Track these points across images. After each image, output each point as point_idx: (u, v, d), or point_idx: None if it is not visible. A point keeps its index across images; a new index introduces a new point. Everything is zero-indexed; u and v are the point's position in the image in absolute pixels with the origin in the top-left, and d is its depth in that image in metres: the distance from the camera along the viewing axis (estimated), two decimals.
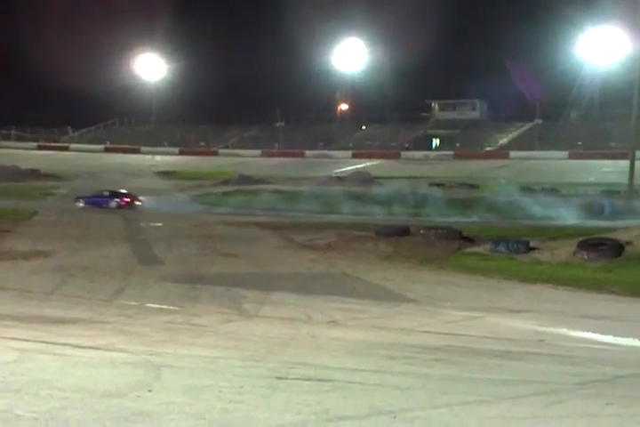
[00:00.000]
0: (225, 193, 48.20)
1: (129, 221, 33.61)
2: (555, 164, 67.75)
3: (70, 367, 7.96)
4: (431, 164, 73.95)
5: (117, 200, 42.12)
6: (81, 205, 41.85)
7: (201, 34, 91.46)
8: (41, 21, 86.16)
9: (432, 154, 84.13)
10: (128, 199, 42.46)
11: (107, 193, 43.24)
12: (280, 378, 7.97)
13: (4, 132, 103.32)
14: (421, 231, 26.22)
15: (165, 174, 66.86)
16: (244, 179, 56.95)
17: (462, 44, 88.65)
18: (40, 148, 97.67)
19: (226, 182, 56.50)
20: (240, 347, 10.90)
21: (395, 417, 6.33)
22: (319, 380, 7.95)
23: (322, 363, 9.33)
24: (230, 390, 7.06)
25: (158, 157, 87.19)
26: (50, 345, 9.44)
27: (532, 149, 77.66)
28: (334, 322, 14.08)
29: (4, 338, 9.80)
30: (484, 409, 6.84)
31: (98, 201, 41.81)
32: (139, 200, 43.04)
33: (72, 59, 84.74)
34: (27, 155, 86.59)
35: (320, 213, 36.97)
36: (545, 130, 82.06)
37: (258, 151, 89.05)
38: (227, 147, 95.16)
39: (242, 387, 7.28)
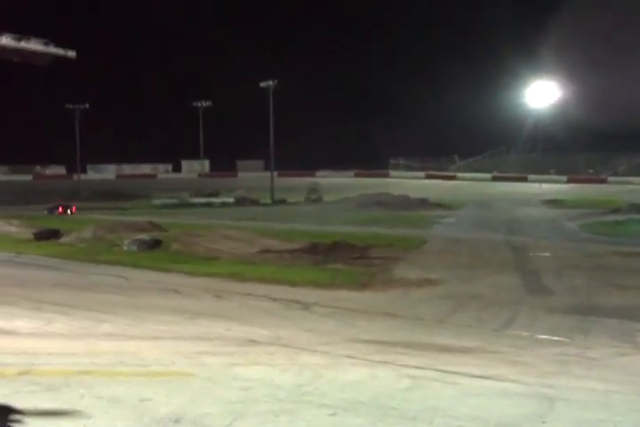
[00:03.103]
0: (615, 222, 46.69)
1: (517, 250, 33.52)
2: None
3: (463, 396, 7.97)
4: None
5: (57, 209, 61.45)
6: (46, 212, 60.06)
7: (591, 60, 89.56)
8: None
9: None
10: (61, 209, 61.33)
11: (55, 205, 62.94)
12: None
13: (392, 162, 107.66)
14: None
15: (552, 203, 66.08)
16: (635, 207, 54.85)
17: None
18: (428, 177, 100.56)
19: (616, 211, 54.73)
20: (634, 382, 10.43)
21: None
22: None
23: None
24: (625, 425, 6.77)
25: (545, 185, 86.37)
26: (441, 373, 9.50)
27: None
28: None
29: (398, 365, 10.02)
30: None
31: (51, 209, 61.48)
32: (70, 209, 61.72)
33: (458, 90, 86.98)
34: (415, 184, 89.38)
35: None
36: None
37: None
38: (615, 174, 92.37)
39: (638, 423, 6.97)
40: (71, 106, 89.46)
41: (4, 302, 16.94)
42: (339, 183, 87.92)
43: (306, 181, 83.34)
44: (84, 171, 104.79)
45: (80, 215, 57.88)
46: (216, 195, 77.88)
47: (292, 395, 7.29)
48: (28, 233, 40.77)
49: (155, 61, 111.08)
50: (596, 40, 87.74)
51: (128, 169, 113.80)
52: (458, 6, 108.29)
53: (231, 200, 72.35)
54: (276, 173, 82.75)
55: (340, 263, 28.67)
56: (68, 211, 61.97)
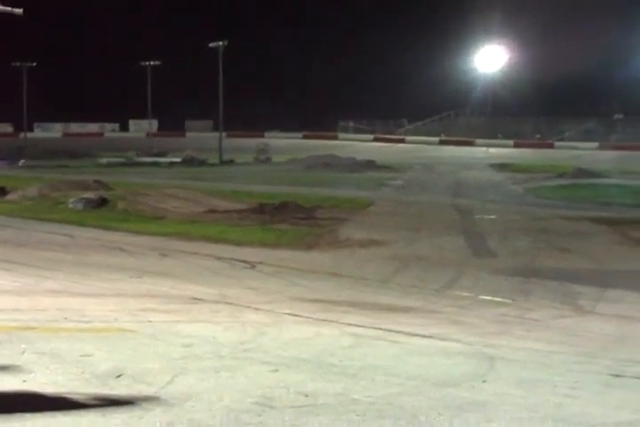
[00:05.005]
0: (560, 186, 47.21)
1: (463, 212, 33.77)
2: None
3: (405, 355, 8.04)
4: None
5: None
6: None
7: (540, 25, 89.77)
8: None
9: None
10: None
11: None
12: (615, 375, 7.65)
13: (342, 124, 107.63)
14: None
15: (499, 167, 66.62)
16: (580, 172, 55.52)
17: None
18: (376, 140, 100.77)
19: (561, 176, 55.34)
20: (574, 343, 10.64)
21: None
22: None
23: None
24: (565, 384, 6.84)
25: (492, 150, 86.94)
26: (384, 332, 9.58)
27: None
28: None
29: (341, 323, 10.10)
30: None
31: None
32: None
33: (409, 55, 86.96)
34: (364, 146, 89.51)
35: None
36: None
37: (594, 144, 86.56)
38: (562, 139, 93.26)
39: (576, 382, 7.03)
40: (18, 64, 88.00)
41: None
42: (287, 144, 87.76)
43: (254, 141, 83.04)
44: (31, 129, 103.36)
45: (24, 173, 57.06)
46: (163, 154, 77.29)
47: (233, 352, 7.31)
48: None
49: (105, 18, 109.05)
50: (544, 3, 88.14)
51: (75, 128, 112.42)
52: None
53: (178, 160, 71.85)
54: (224, 134, 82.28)
55: (287, 224, 28.66)
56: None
